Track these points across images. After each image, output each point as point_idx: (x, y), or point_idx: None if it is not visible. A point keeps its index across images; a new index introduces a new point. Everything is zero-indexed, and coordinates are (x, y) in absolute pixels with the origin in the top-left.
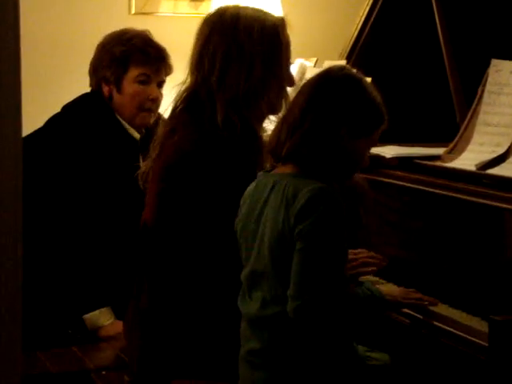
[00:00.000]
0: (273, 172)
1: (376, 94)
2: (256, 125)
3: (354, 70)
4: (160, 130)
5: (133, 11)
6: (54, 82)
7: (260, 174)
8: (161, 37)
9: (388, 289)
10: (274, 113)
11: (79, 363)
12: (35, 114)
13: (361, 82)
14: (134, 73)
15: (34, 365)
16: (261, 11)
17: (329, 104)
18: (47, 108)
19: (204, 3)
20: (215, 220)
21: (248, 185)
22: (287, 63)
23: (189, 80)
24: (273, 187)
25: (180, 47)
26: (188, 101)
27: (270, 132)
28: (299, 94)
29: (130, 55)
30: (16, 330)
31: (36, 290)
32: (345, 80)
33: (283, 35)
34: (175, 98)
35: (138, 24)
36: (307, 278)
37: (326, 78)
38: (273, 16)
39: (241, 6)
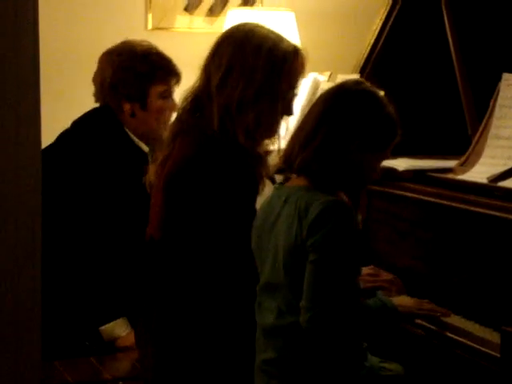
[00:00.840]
0: (287, 184)
1: (390, 109)
2: (240, 136)
3: (369, 84)
4: (166, 134)
5: (149, 27)
6: (70, 96)
7: (275, 186)
8: (176, 52)
9: (401, 300)
10: (267, 134)
11: (96, 373)
12: (49, 129)
13: (376, 97)
14: (158, 89)
15: (52, 374)
16: (279, 36)
17: (343, 118)
18: (63, 122)
19: (219, 19)
20: (222, 227)
21: (250, 190)
22: (287, 92)
23: (197, 84)
24: (286, 200)
25: (195, 62)
26: (192, 103)
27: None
28: (314, 105)
29: (154, 73)
30: (36, 339)
31: (54, 303)
32: (360, 94)
33: (291, 62)
34: (181, 100)
35: (155, 39)
36: (319, 289)
37: (342, 91)
38: (289, 43)
39: (260, 25)
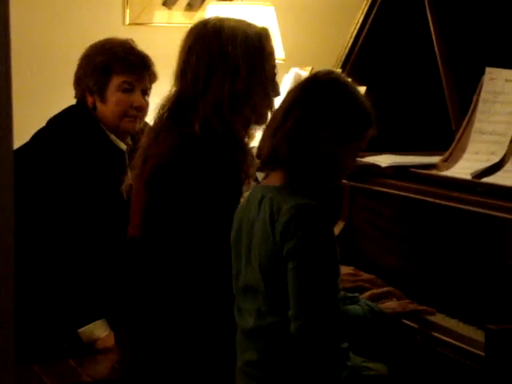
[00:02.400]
0: (262, 183)
1: (363, 99)
2: (239, 130)
3: (341, 74)
4: (144, 140)
5: (127, 22)
6: (46, 93)
7: (253, 184)
8: (155, 47)
9: (385, 303)
10: (259, 121)
11: (75, 376)
12: (24, 127)
13: (345, 85)
14: (116, 81)
15: (30, 378)
16: (244, 21)
17: (311, 104)
18: (39, 121)
19: (198, 13)
20: (204, 226)
21: (234, 190)
22: (272, 71)
23: (173, 90)
24: (261, 200)
25: (174, 57)
26: (172, 110)
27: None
28: (285, 97)
29: (111, 64)
30: (8, 343)
31: (31, 305)
32: (330, 82)
33: (267, 44)
34: (158, 107)
35: (133, 34)
36: (304, 296)
37: (312, 80)
38: (256, 26)
39: (224, 17)
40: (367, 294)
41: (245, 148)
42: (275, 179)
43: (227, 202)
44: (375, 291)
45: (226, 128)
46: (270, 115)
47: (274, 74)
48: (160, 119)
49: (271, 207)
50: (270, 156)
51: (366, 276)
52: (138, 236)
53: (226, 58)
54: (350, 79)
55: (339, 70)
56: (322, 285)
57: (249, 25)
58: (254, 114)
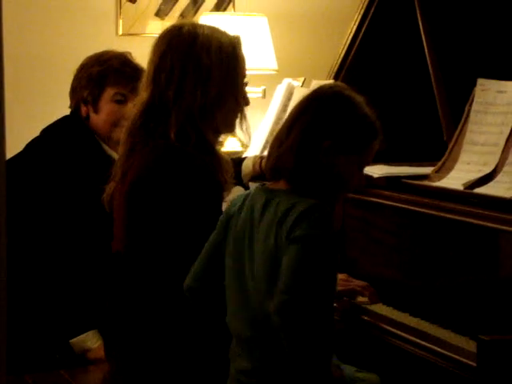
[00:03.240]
0: (265, 187)
1: (367, 111)
2: (211, 138)
3: (346, 87)
4: (120, 150)
5: (120, 32)
6: (40, 104)
7: (257, 187)
8: (148, 57)
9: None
10: (228, 129)
11: None
12: (18, 137)
13: (349, 97)
14: (110, 92)
15: None
16: (217, 29)
17: (314, 116)
18: (33, 131)
19: None
20: (187, 236)
21: (214, 197)
22: (243, 80)
23: (144, 96)
24: (265, 204)
25: None
26: (145, 116)
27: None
28: (292, 109)
29: (106, 75)
30: (0, 353)
31: (23, 316)
32: (333, 96)
33: (239, 52)
34: (131, 116)
35: (125, 45)
36: (299, 275)
37: (315, 93)
38: (229, 34)
39: (197, 24)
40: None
41: (218, 155)
42: (279, 186)
43: (209, 210)
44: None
45: (199, 136)
46: (239, 124)
47: (245, 83)
48: (133, 128)
49: (278, 209)
50: (274, 168)
51: (358, 282)
52: (122, 249)
53: (200, 66)
54: (353, 92)
55: (332, 81)
56: (318, 275)
57: (222, 33)
58: (224, 122)
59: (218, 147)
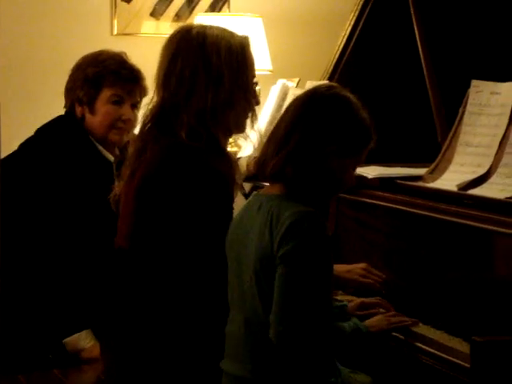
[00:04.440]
0: (261, 192)
1: (363, 113)
2: (222, 139)
3: (341, 89)
4: (130, 150)
5: (115, 32)
6: (34, 103)
7: (253, 193)
8: (143, 57)
9: (370, 320)
10: (239, 130)
11: None
12: (12, 137)
13: (348, 101)
14: (106, 94)
15: None
16: (226, 30)
17: (315, 123)
18: (27, 131)
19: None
20: (195, 235)
21: (223, 196)
22: (253, 80)
23: (155, 99)
24: (259, 208)
25: None
26: (156, 118)
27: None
28: (286, 111)
29: (102, 76)
30: None
31: (16, 315)
32: (332, 98)
33: (249, 53)
34: (142, 117)
35: (120, 45)
36: (289, 303)
37: (314, 96)
38: (238, 34)
39: (206, 25)
40: (358, 301)
41: (228, 155)
42: (274, 189)
43: (217, 207)
44: (365, 300)
45: (210, 136)
46: (250, 124)
47: (255, 83)
48: (145, 129)
49: (270, 215)
50: (273, 174)
51: (377, 277)
52: (126, 246)
53: (210, 67)
54: (349, 93)
55: (326, 81)
56: (310, 295)
57: (231, 33)
58: (236, 122)
59: (230, 148)
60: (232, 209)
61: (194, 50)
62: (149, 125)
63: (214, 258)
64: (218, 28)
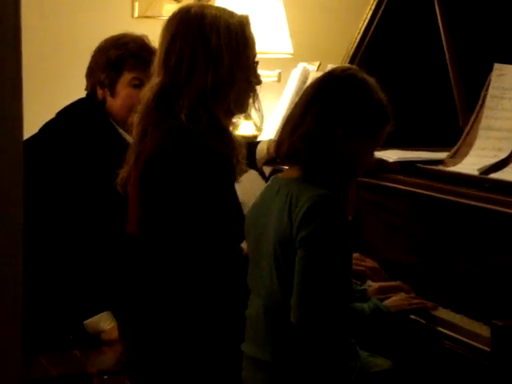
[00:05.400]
0: (280, 175)
1: (380, 95)
2: (223, 119)
3: (358, 70)
4: (133, 133)
5: (136, 15)
6: (56, 86)
7: (272, 177)
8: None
9: (391, 300)
10: (240, 109)
11: (81, 367)
12: (34, 119)
13: (363, 82)
14: (127, 77)
15: (36, 369)
16: (225, 9)
17: (329, 103)
18: (49, 112)
19: None
20: (199, 216)
21: (227, 177)
22: (254, 59)
23: (156, 80)
24: (277, 192)
25: None
26: (157, 99)
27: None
28: (303, 93)
29: (124, 59)
30: (16, 334)
31: (38, 297)
32: (346, 80)
33: (249, 32)
34: (143, 99)
35: (141, 27)
36: (309, 286)
37: (329, 77)
38: (237, 14)
39: (205, 5)
40: (376, 285)
41: (231, 135)
42: (293, 172)
43: (221, 188)
44: (383, 284)
45: (211, 117)
46: (251, 103)
47: (256, 62)
48: (146, 111)
49: (289, 198)
50: (288, 154)
51: (369, 262)
52: (136, 232)
53: (209, 47)
54: (365, 74)
55: (347, 65)
56: (330, 278)
57: (230, 13)
58: (236, 103)
59: (231, 129)
60: (234, 189)
61: (193, 30)
62: (151, 106)
63: (225, 238)
64: (216, 8)
